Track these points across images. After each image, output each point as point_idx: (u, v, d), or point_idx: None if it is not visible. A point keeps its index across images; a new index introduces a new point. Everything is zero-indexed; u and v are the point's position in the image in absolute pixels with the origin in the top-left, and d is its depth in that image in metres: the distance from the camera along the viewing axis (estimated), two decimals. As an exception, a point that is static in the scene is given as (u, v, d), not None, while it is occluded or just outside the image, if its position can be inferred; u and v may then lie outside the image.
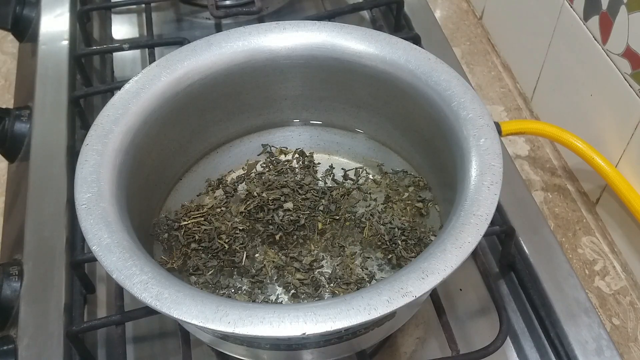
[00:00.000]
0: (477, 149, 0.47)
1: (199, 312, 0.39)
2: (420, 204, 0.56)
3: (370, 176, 0.59)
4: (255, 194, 0.56)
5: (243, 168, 0.60)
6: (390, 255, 0.52)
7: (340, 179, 0.59)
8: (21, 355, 0.52)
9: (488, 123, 0.48)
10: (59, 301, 0.54)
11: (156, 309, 0.39)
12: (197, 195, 0.58)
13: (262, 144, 0.61)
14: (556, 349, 0.53)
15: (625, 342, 0.62)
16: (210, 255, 0.53)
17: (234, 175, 0.59)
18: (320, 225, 0.54)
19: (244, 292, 0.52)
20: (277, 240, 0.54)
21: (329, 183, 0.59)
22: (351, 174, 0.59)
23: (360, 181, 0.59)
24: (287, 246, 0.54)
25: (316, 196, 0.56)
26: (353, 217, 0.55)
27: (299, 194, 0.56)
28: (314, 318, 0.38)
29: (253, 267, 0.53)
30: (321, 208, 0.55)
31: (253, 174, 0.59)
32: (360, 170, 0.59)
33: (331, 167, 0.60)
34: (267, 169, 0.59)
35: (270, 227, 0.54)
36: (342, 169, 0.60)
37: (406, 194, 0.57)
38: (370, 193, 0.57)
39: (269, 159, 0.60)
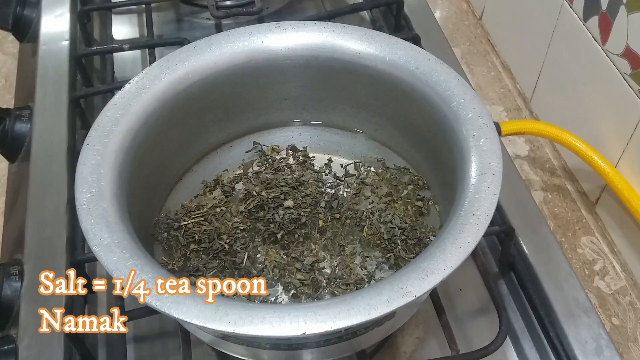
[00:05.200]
0: (477, 149, 0.47)
1: (199, 312, 0.39)
2: (420, 203, 0.56)
3: (372, 169, 0.59)
4: (254, 193, 0.56)
5: (239, 167, 0.60)
6: (389, 255, 0.53)
7: (340, 175, 0.59)
8: (22, 355, 0.52)
9: (488, 123, 0.48)
10: (60, 301, 0.54)
11: (156, 308, 0.39)
12: (195, 197, 0.58)
13: (253, 142, 0.61)
14: (556, 348, 0.53)
15: (625, 342, 0.62)
16: (210, 256, 0.53)
17: (230, 175, 0.59)
18: (321, 223, 0.55)
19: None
20: (278, 240, 0.54)
21: (330, 179, 0.59)
22: (351, 169, 0.59)
23: (363, 175, 0.59)
24: (289, 245, 0.54)
25: (317, 193, 0.56)
26: (354, 215, 0.55)
27: (299, 191, 0.56)
28: (314, 318, 0.38)
29: (254, 268, 0.53)
30: (323, 205, 0.55)
31: (250, 173, 0.59)
32: (360, 164, 0.59)
33: (330, 160, 0.60)
34: (263, 168, 0.59)
35: (271, 225, 0.54)
36: (340, 165, 0.60)
37: (405, 192, 0.57)
38: (376, 187, 0.57)
39: (263, 158, 0.60)
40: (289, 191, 0.56)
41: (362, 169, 0.59)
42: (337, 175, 0.59)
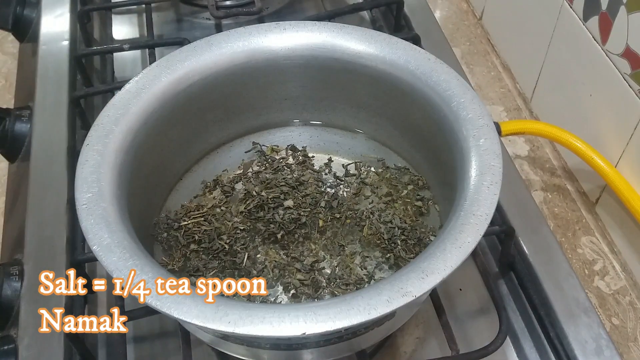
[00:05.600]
0: (477, 149, 0.47)
1: (199, 312, 0.39)
2: (419, 203, 0.56)
3: (372, 169, 0.59)
4: (254, 193, 0.56)
5: (239, 167, 0.60)
6: (389, 255, 0.53)
7: (340, 175, 0.59)
8: (22, 355, 0.52)
9: (488, 123, 0.48)
10: (60, 301, 0.55)
11: (156, 308, 0.39)
12: (195, 197, 0.58)
13: (252, 142, 0.61)
14: (556, 348, 0.53)
15: (625, 341, 0.62)
16: (210, 256, 0.53)
17: (230, 175, 0.59)
18: (321, 223, 0.55)
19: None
20: (278, 240, 0.54)
21: (330, 178, 0.59)
22: (351, 169, 0.59)
23: (363, 175, 0.59)
24: (289, 245, 0.54)
25: (317, 193, 0.56)
26: (354, 215, 0.55)
27: (299, 191, 0.56)
28: (314, 318, 0.38)
29: (254, 268, 0.53)
30: (323, 204, 0.55)
31: (250, 173, 0.59)
32: (360, 164, 0.59)
33: (330, 160, 0.60)
34: (263, 168, 0.59)
35: (271, 225, 0.54)
36: (342, 165, 0.60)
37: (405, 192, 0.57)
38: (376, 187, 0.57)
39: (263, 158, 0.60)
40: (289, 191, 0.56)
41: (362, 168, 0.59)
42: (337, 175, 0.59)
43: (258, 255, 0.54)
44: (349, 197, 0.57)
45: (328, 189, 0.58)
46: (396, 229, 0.53)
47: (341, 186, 0.58)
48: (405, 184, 0.58)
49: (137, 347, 0.55)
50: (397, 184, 0.58)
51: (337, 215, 0.55)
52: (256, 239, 0.55)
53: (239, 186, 0.58)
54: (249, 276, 0.52)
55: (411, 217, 0.55)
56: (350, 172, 0.59)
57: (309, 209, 0.55)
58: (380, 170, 0.59)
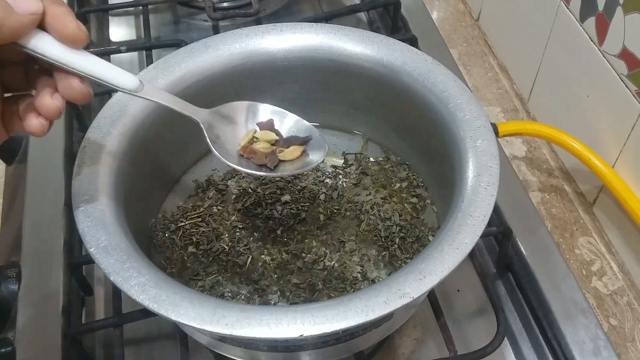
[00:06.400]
0: (474, 150, 0.47)
1: (196, 314, 0.39)
2: (415, 199, 0.56)
3: (371, 159, 0.59)
4: (250, 189, 0.56)
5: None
6: (385, 253, 0.53)
7: (338, 164, 0.59)
8: (19, 357, 0.52)
9: (485, 124, 0.48)
10: (57, 303, 0.54)
11: (154, 311, 0.39)
12: (188, 197, 0.58)
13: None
14: (553, 349, 0.53)
15: (623, 342, 0.62)
16: (210, 258, 0.53)
17: (221, 174, 0.59)
18: (321, 217, 0.54)
19: (243, 297, 0.51)
20: (278, 236, 0.54)
21: (328, 169, 0.59)
22: (350, 159, 0.59)
23: (363, 165, 0.59)
24: (289, 242, 0.54)
25: (314, 184, 0.56)
26: (354, 207, 0.55)
27: (295, 184, 0.56)
28: (312, 319, 0.38)
29: (255, 272, 0.53)
30: (322, 197, 0.55)
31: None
32: (360, 155, 0.59)
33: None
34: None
35: (270, 222, 0.54)
36: (342, 152, 0.60)
37: (399, 185, 0.57)
38: (376, 178, 0.57)
39: None
40: (285, 185, 0.56)
41: (362, 162, 0.59)
42: (335, 165, 0.59)
43: (259, 255, 0.54)
44: (349, 187, 0.57)
45: (327, 180, 0.57)
46: (395, 226, 0.54)
47: (340, 176, 0.58)
48: (401, 180, 0.58)
49: (135, 350, 0.55)
50: (393, 177, 0.58)
51: (337, 208, 0.55)
52: (255, 236, 0.54)
53: (232, 183, 0.58)
54: (249, 279, 0.52)
55: (410, 214, 0.55)
56: (349, 162, 0.59)
57: (307, 203, 0.55)
58: (380, 159, 0.59)
